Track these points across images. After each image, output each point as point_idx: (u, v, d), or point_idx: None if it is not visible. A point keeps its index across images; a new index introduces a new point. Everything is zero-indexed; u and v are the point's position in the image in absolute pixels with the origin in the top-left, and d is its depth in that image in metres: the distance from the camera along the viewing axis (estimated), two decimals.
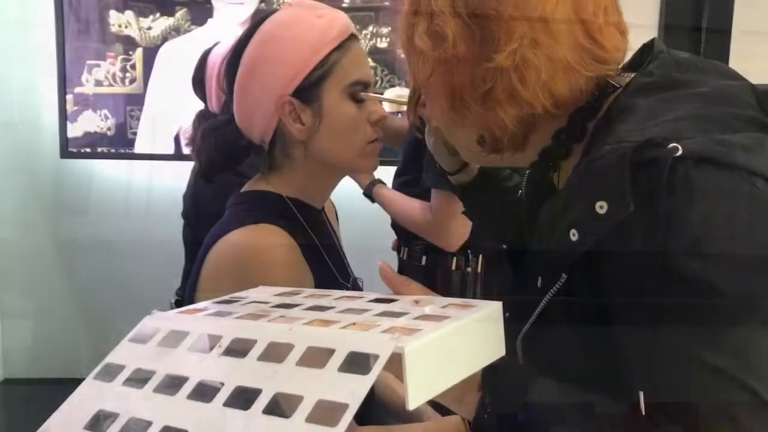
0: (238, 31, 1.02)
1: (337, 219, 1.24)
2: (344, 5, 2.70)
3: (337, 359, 0.49)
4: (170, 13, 2.69)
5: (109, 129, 2.73)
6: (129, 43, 2.69)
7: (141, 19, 2.68)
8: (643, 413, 0.59)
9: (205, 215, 1.63)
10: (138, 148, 2.74)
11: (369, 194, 1.74)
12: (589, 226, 0.62)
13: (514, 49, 0.66)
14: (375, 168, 1.04)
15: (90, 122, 2.71)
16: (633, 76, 0.71)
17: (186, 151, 2.68)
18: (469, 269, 1.65)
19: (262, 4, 2.69)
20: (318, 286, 0.94)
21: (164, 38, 2.70)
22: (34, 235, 2.84)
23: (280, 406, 0.48)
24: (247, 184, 1.06)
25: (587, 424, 0.62)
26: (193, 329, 0.60)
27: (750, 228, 0.57)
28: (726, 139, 0.60)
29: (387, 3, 2.73)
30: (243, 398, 0.49)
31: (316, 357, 0.51)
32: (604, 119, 0.69)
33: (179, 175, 2.17)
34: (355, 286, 1.09)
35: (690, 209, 0.56)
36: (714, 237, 0.57)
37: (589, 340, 0.66)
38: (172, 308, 1.99)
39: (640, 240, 0.58)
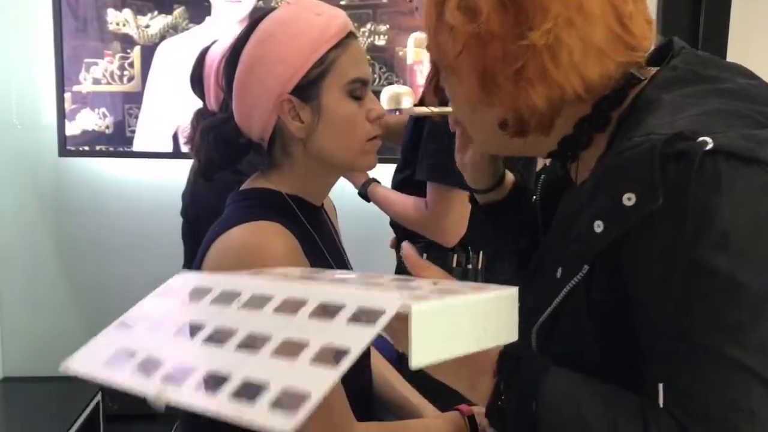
0: (236, 29, 1.02)
1: (336, 216, 1.25)
2: (342, 2, 2.70)
3: (346, 313, 0.51)
4: (168, 11, 2.68)
5: (107, 127, 2.72)
6: (127, 41, 2.69)
7: (139, 17, 2.68)
8: (662, 405, 0.58)
9: (204, 213, 1.63)
10: (136, 146, 2.74)
11: (364, 194, 1.74)
12: (615, 218, 0.62)
13: (549, 28, 0.65)
14: (373, 165, 1.04)
15: (88, 120, 2.71)
16: (657, 69, 0.71)
17: (184, 149, 2.68)
18: (469, 266, 1.65)
19: (260, 2, 2.68)
20: None
21: (162, 36, 2.70)
22: (33, 233, 2.84)
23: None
24: (246, 182, 1.06)
25: (602, 414, 0.61)
26: (216, 285, 0.63)
27: None
28: (755, 134, 0.60)
29: (385, 0, 2.72)
30: (255, 344, 0.51)
31: (328, 312, 0.53)
32: (629, 111, 0.70)
33: (178, 173, 2.17)
34: None
35: (718, 204, 0.57)
36: (740, 232, 0.57)
37: (607, 332, 0.65)
38: None
39: (667, 232, 0.58)
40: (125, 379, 0.54)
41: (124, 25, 2.68)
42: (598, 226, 0.63)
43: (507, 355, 0.66)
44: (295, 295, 0.57)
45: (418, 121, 1.62)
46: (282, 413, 0.44)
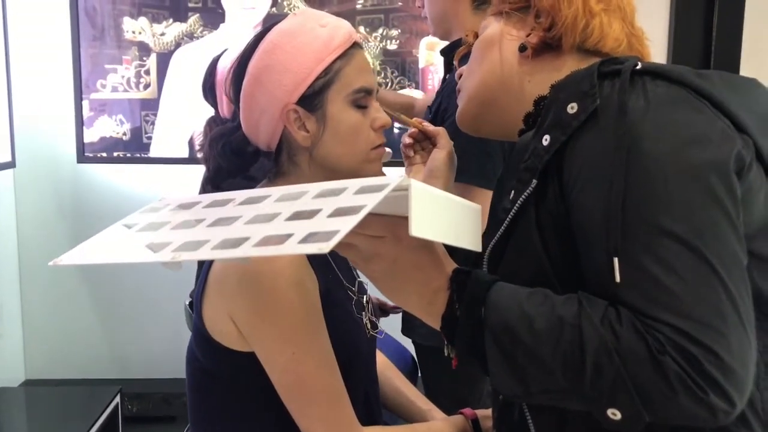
0: (250, 36, 1.04)
1: None
2: (357, 6, 2.71)
3: (350, 190, 0.56)
4: (183, 19, 2.72)
5: (124, 134, 2.77)
6: (143, 49, 2.73)
7: (154, 25, 2.71)
8: (618, 280, 0.63)
9: None
10: (153, 153, 2.78)
11: None
12: (559, 127, 0.70)
13: None
14: (379, 174, 1.05)
15: (106, 127, 2.76)
16: None
17: (199, 155, 2.71)
18: None
19: (273, 9, 2.71)
20: (322, 289, 0.96)
21: (177, 44, 2.73)
22: (53, 238, 2.88)
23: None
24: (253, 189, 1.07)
25: (541, 304, 0.67)
26: (203, 199, 0.67)
27: (689, 118, 0.65)
28: (705, 72, 0.70)
29: (397, 5, 2.74)
30: (265, 219, 0.54)
31: (333, 193, 0.57)
32: None
33: (194, 179, 2.19)
34: (361, 290, 1.11)
35: (646, 109, 0.65)
36: (665, 126, 0.65)
37: (556, 248, 0.71)
38: (186, 310, 2.02)
39: (602, 132, 0.66)
40: (131, 256, 0.55)
41: (140, 33, 2.72)
42: (546, 140, 0.71)
43: (459, 270, 0.72)
44: (290, 190, 0.59)
45: (435, 118, 1.63)
46: (313, 244, 0.44)
